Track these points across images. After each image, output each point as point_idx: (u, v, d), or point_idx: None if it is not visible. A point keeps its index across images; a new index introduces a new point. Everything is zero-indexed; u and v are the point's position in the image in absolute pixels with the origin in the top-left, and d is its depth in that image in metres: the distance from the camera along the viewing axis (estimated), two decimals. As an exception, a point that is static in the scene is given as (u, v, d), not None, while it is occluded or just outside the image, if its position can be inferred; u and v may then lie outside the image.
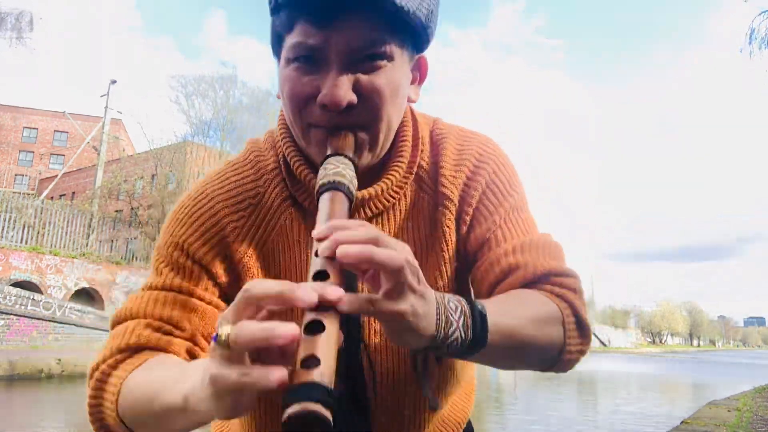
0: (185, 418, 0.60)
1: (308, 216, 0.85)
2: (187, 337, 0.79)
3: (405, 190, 0.87)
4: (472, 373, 1.04)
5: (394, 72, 0.75)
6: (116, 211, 25.21)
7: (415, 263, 0.57)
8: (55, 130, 52.78)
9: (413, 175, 0.87)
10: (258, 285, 0.50)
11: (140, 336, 0.76)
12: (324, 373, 0.46)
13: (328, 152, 0.74)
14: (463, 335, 0.62)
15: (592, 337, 0.79)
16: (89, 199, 22.71)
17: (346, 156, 0.73)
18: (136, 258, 20.35)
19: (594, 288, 70.06)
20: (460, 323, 0.62)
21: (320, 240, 0.56)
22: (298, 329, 0.47)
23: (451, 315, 0.61)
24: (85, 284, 17.64)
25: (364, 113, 0.74)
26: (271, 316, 0.50)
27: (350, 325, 0.65)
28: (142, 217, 21.69)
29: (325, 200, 0.66)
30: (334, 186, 0.67)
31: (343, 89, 0.71)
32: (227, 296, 0.84)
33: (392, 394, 0.84)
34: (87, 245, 19.04)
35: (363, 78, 0.73)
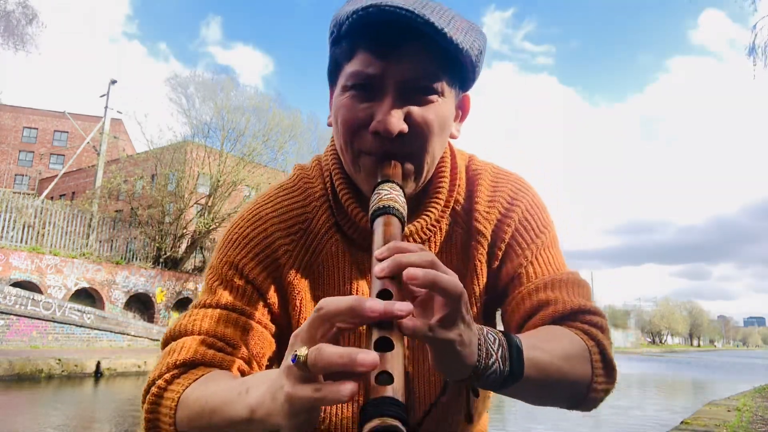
0: (249, 430, 0.61)
1: (352, 245, 0.88)
2: (240, 356, 0.80)
3: (441, 224, 0.88)
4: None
5: (443, 107, 0.77)
6: (116, 211, 25.18)
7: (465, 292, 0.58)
8: (55, 130, 52.79)
9: (450, 210, 0.89)
10: (331, 302, 0.51)
11: (196, 352, 0.77)
12: (397, 389, 0.47)
13: (378, 179, 0.76)
14: (501, 367, 0.62)
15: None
16: (89, 199, 22.65)
17: (396, 183, 0.74)
18: (136, 258, 20.32)
19: (594, 288, 70.05)
20: (499, 355, 0.63)
21: (381, 260, 0.57)
22: (378, 357, 0.48)
23: (491, 346, 0.62)
24: (85, 284, 17.62)
25: (413, 144, 0.76)
26: (341, 333, 0.52)
27: None
28: (142, 217, 21.65)
29: (379, 224, 0.68)
30: (388, 211, 0.69)
31: (396, 118, 0.73)
32: (275, 317, 0.86)
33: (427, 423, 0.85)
34: (87, 245, 19.00)
35: (415, 110, 0.75)
